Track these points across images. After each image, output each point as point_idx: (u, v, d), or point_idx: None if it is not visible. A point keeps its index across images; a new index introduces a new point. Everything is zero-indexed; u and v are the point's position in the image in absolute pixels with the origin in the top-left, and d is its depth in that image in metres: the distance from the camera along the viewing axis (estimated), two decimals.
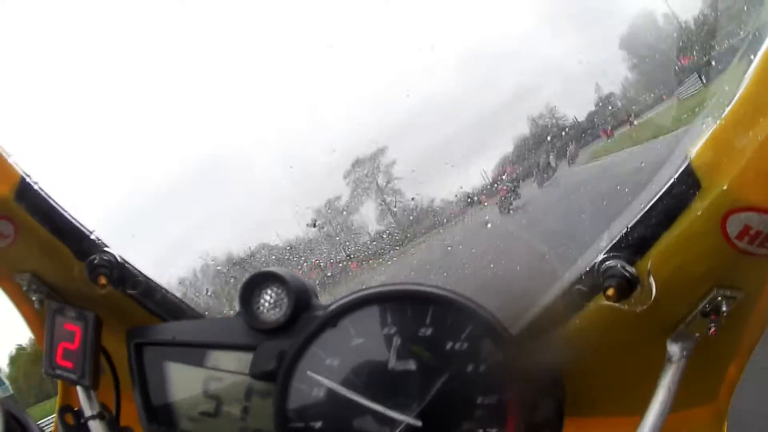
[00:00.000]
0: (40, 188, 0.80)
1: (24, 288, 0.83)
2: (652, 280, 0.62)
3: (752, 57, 0.55)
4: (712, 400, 0.78)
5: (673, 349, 0.66)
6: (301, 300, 0.79)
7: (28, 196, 0.78)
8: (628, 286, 0.63)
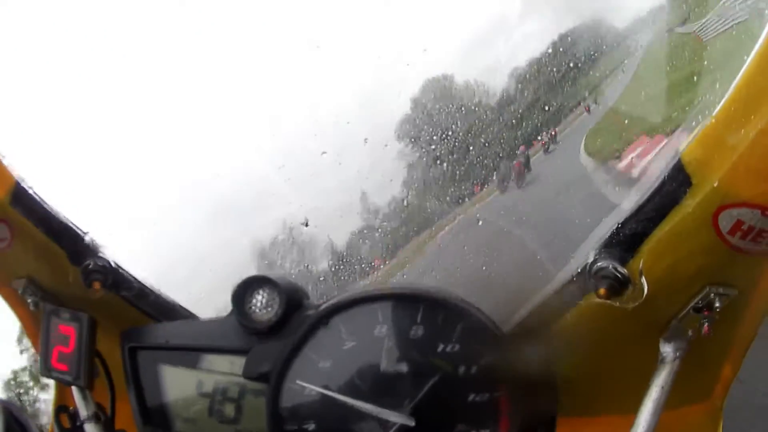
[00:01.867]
0: (35, 192, 0.80)
1: (20, 292, 0.84)
2: (643, 278, 0.62)
3: (744, 54, 0.55)
4: (707, 398, 0.78)
5: (667, 347, 0.65)
6: (292, 300, 0.79)
7: (23, 199, 0.78)
8: (619, 286, 0.63)
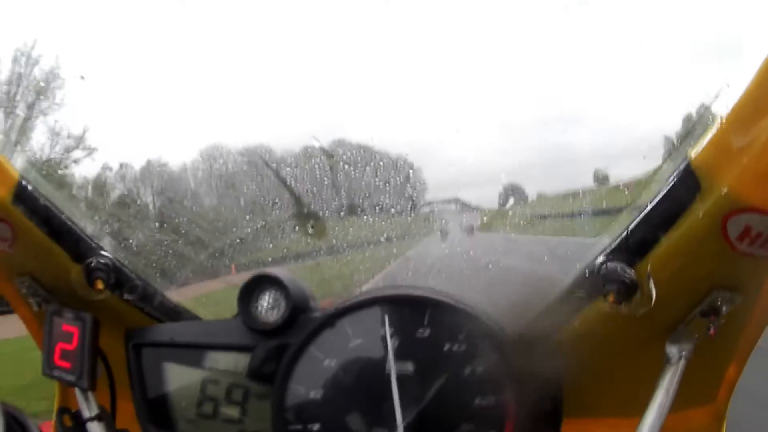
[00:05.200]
0: (37, 190, 0.79)
1: (23, 291, 0.83)
2: (651, 283, 0.62)
3: (755, 58, 0.54)
4: (711, 400, 0.78)
5: (672, 350, 0.65)
6: (299, 302, 0.79)
7: (25, 198, 0.77)
8: (627, 290, 0.63)
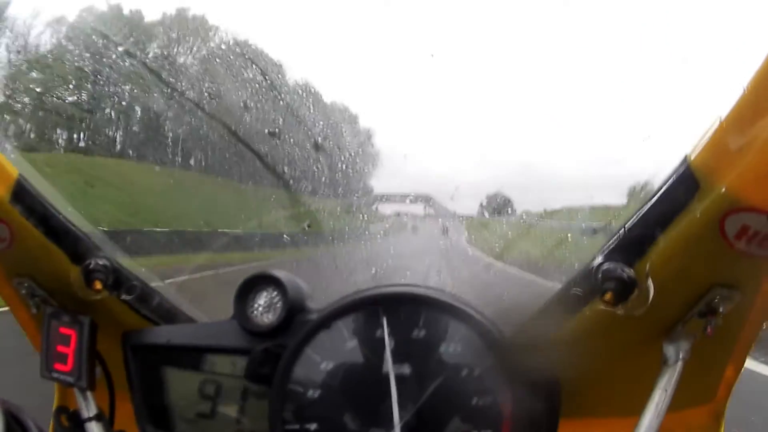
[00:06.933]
0: (36, 190, 0.79)
1: (22, 292, 0.82)
2: (650, 282, 0.62)
3: (754, 59, 0.54)
4: (709, 400, 0.78)
5: (670, 350, 0.65)
6: (295, 303, 0.79)
7: (23, 197, 0.76)
8: (625, 290, 0.62)
